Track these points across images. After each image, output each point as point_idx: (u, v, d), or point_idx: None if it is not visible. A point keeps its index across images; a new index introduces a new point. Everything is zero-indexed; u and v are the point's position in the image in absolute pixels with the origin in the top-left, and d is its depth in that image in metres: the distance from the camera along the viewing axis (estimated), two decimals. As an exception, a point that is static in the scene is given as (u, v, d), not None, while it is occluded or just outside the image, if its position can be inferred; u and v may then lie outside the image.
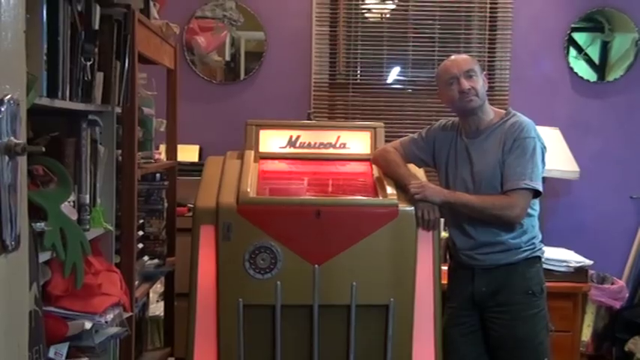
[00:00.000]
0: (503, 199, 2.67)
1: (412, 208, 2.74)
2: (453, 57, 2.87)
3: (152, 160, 2.98)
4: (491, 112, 2.81)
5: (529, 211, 2.71)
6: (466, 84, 2.72)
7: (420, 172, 3.02)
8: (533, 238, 2.77)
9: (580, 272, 3.65)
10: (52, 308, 1.98)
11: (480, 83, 2.75)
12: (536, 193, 2.70)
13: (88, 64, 2.14)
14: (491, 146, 2.74)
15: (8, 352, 1.38)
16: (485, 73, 2.87)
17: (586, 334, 4.03)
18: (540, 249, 2.80)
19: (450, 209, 2.78)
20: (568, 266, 3.63)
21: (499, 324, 2.74)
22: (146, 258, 2.95)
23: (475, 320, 2.80)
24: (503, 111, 2.84)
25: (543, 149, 2.73)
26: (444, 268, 2.91)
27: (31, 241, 1.62)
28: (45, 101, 1.89)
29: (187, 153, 4.07)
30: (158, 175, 3.08)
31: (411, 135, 3.03)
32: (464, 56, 2.90)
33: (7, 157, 1.27)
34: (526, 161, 2.66)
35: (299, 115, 3.90)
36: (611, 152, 4.46)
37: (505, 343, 2.74)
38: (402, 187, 2.81)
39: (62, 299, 2.02)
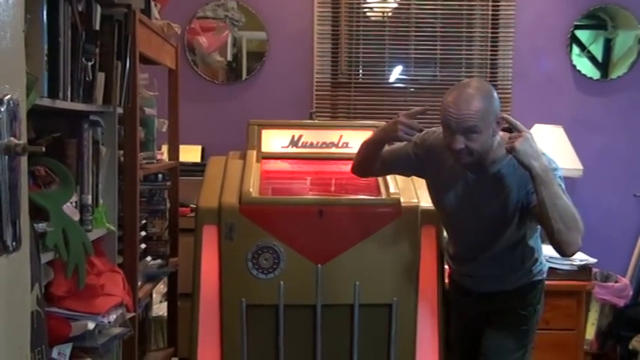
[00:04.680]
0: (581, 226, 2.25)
1: (415, 205, 2.72)
2: (460, 98, 2.25)
3: (154, 161, 2.98)
4: (496, 147, 2.33)
5: (536, 234, 2.52)
6: (460, 144, 2.24)
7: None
8: (533, 265, 2.55)
9: (584, 270, 3.64)
10: (54, 309, 1.98)
11: (483, 141, 2.25)
12: None
13: (89, 64, 2.14)
14: (503, 188, 2.35)
15: (10, 353, 1.38)
16: (499, 116, 2.30)
17: (590, 333, 4.02)
18: (540, 271, 2.58)
19: (460, 228, 2.52)
20: (572, 264, 3.62)
21: (484, 336, 2.57)
22: (149, 258, 2.94)
23: (474, 330, 2.63)
24: (507, 135, 2.31)
25: (556, 169, 2.35)
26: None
27: (33, 242, 1.62)
28: (46, 102, 1.88)
29: (189, 153, 4.07)
30: (160, 175, 3.08)
31: (398, 145, 2.62)
32: (473, 102, 2.23)
33: (7, 158, 1.27)
34: (565, 195, 2.26)
35: (301, 114, 3.90)
36: (615, 150, 4.45)
37: (484, 352, 2.57)
38: (375, 142, 2.57)
39: (65, 300, 2.02)
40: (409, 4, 4.46)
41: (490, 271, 2.53)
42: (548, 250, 3.70)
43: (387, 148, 2.61)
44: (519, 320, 2.56)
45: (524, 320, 2.57)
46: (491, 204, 2.39)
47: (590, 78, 4.47)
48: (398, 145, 2.60)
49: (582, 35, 4.47)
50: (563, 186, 2.28)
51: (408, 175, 2.77)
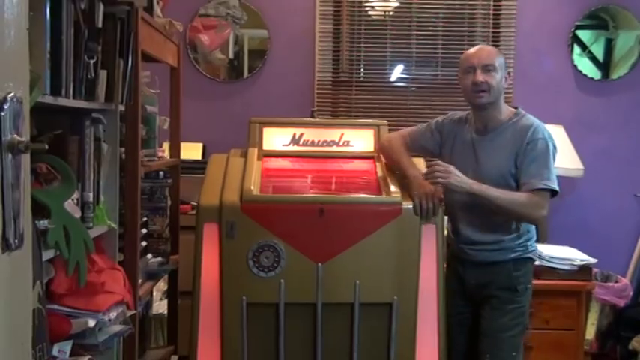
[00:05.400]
0: (531, 198, 2.67)
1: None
2: (479, 46, 2.91)
3: (155, 158, 2.98)
4: (502, 112, 2.81)
5: None
6: (480, 77, 2.72)
7: (420, 163, 3.01)
8: (528, 240, 2.82)
9: (584, 270, 3.64)
10: (55, 306, 1.99)
11: (497, 79, 2.74)
12: (552, 193, 2.72)
13: (92, 62, 2.14)
14: (498, 147, 2.76)
15: (12, 349, 1.38)
16: (508, 70, 2.86)
17: (590, 333, 4.02)
18: (533, 250, 2.85)
19: (453, 200, 2.79)
20: (572, 264, 3.62)
21: (482, 314, 2.82)
22: (149, 256, 2.95)
23: (469, 311, 2.87)
24: (513, 109, 2.85)
25: (554, 149, 2.76)
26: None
27: (35, 239, 1.63)
28: (48, 99, 1.88)
29: (191, 151, 4.07)
30: (161, 173, 3.08)
31: (419, 125, 3.06)
32: (489, 49, 2.93)
33: (10, 155, 1.27)
34: (542, 163, 2.70)
35: (302, 112, 3.89)
36: (616, 150, 4.45)
37: (482, 331, 2.81)
38: (402, 176, 2.84)
39: (66, 297, 2.02)
40: (410, 3, 4.46)
41: (486, 236, 2.78)
42: (548, 250, 3.72)
43: (409, 141, 2.97)
44: (513, 297, 2.78)
45: (518, 297, 2.79)
46: (490, 162, 2.76)
47: (591, 78, 4.47)
48: (419, 129, 3.01)
49: (583, 35, 4.47)
50: (551, 153, 2.72)
51: (428, 152, 3.02)
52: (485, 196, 2.67)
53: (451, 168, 2.69)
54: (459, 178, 2.67)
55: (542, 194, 2.68)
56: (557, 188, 2.71)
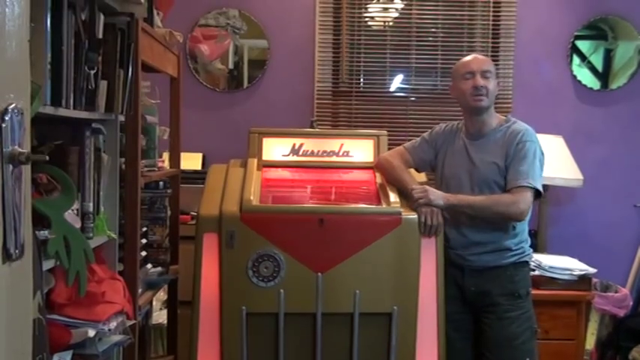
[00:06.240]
0: (508, 196, 2.78)
1: (415, 215, 2.74)
2: (473, 55, 3.06)
3: (155, 168, 2.99)
4: (494, 118, 2.94)
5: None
6: (481, 81, 2.85)
7: (422, 177, 3.04)
8: (523, 242, 2.89)
9: (584, 280, 3.64)
10: (55, 316, 1.98)
11: (493, 85, 2.90)
12: (536, 194, 2.81)
13: (92, 72, 2.14)
14: (491, 149, 2.87)
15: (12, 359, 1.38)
16: (497, 80, 3.00)
17: (590, 343, 4.02)
18: (529, 254, 2.93)
19: (450, 209, 2.82)
20: (572, 274, 3.62)
21: (486, 323, 2.84)
22: (149, 266, 2.95)
23: (468, 318, 2.90)
24: (503, 117, 2.99)
25: (542, 155, 2.86)
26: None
27: (35, 250, 1.63)
28: (49, 110, 1.89)
29: (191, 161, 4.07)
30: (161, 183, 3.08)
31: (413, 140, 3.11)
32: (484, 57, 3.08)
33: (11, 166, 1.28)
34: (528, 163, 2.79)
35: (302, 123, 3.91)
36: (615, 160, 4.46)
37: (490, 342, 2.83)
38: (404, 194, 2.83)
39: (66, 307, 2.02)
40: (410, 14, 4.47)
41: (486, 235, 2.82)
42: (548, 260, 3.72)
43: (408, 157, 3.03)
44: (518, 303, 2.82)
45: (522, 303, 2.84)
46: (484, 163, 2.85)
47: (591, 88, 4.48)
48: (415, 144, 3.07)
49: (583, 46, 4.48)
50: (538, 156, 2.82)
51: (427, 164, 3.06)
52: (465, 204, 2.79)
53: (427, 187, 2.84)
54: (435, 194, 2.78)
55: (524, 191, 2.77)
56: (540, 188, 2.80)
